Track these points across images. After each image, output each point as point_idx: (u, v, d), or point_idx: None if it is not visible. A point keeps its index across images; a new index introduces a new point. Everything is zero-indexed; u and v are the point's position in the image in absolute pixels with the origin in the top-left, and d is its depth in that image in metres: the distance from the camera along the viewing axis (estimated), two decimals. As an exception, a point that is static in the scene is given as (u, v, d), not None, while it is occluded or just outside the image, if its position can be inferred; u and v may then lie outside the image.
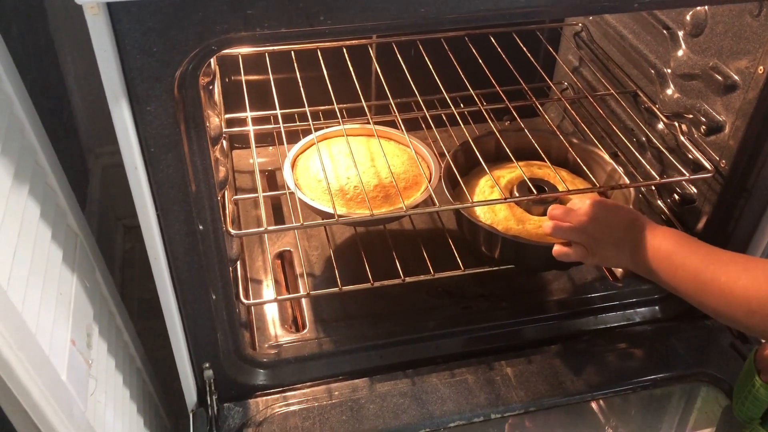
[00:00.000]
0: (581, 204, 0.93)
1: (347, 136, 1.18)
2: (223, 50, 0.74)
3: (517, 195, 1.05)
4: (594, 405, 1.00)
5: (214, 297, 0.92)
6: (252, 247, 1.22)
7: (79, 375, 0.81)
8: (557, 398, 0.98)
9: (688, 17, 1.08)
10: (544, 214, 1.06)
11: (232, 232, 0.91)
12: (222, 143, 1.03)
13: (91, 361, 0.87)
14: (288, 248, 1.23)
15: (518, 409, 0.97)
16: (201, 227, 0.85)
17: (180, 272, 0.87)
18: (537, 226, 1.03)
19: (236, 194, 1.28)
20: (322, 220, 1.05)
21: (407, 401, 0.97)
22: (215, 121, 0.88)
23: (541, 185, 1.07)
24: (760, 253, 1.08)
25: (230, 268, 0.98)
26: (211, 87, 0.95)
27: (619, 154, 1.27)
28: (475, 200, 1.08)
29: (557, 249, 0.94)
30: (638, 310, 1.14)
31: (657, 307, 1.15)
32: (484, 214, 1.06)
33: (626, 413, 1.01)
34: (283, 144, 1.12)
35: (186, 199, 0.81)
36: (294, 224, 0.96)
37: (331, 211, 1.01)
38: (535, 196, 0.99)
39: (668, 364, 1.04)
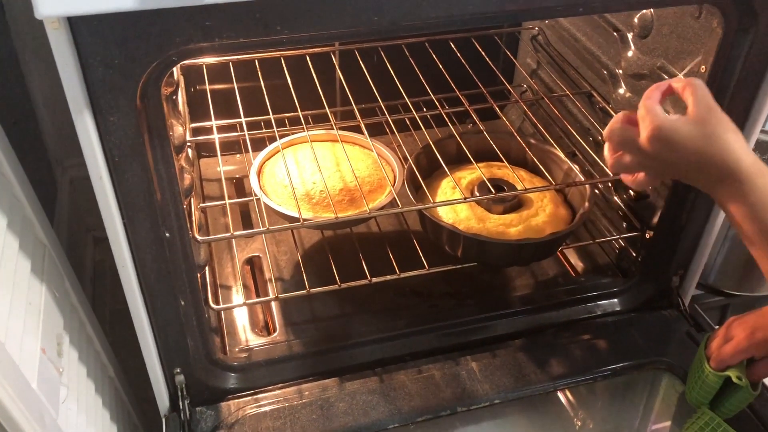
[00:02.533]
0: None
1: (312, 141, 1.21)
2: (185, 61, 0.76)
3: (477, 194, 1.09)
4: (557, 395, 1.03)
5: (183, 303, 0.94)
6: (221, 253, 1.24)
7: (50, 383, 0.82)
8: (521, 390, 1.02)
9: (635, 19, 1.13)
10: (504, 212, 1.09)
11: (199, 238, 0.93)
12: (187, 152, 1.05)
13: (62, 369, 0.88)
14: (257, 254, 1.25)
15: (483, 402, 1.00)
16: (167, 234, 0.87)
17: (148, 279, 0.89)
18: (497, 224, 1.06)
19: (204, 202, 1.29)
20: (289, 224, 1.08)
21: (376, 398, 1.00)
22: (179, 130, 0.90)
23: (500, 185, 1.11)
24: (711, 243, 1.12)
25: (198, 275, 1.00)
26: (174, 97, 0.97)
27: (577, 153, 1.31)
28: (437, 201, 1.11)
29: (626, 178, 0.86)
30: (599, 302, 1.18)
31: (617, 300, 1.18)
32: (446, 215, 1.09)
33: (588, 402, 1.04)
34: (249, 152, 1.14)
35: (152, 207, 0.82)
36: (260, 229, 0.98)
37: (296, 215, 1.03)
38: (494, 195, 1.03)
39: (628, 354, 1.08)
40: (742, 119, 0.98)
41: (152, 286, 0.89)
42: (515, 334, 1.13)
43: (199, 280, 1.01)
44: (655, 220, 1.15)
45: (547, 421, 1.01)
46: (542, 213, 1.09)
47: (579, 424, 1.01)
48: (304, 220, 1.01)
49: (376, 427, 0.96)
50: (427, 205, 1.03)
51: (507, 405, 1.01)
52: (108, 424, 1.05)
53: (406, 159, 1.18)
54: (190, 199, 0.98)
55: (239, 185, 1.43)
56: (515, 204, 1.10)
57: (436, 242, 1.09)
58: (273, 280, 1.18)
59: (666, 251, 1.14)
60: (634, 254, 1.20)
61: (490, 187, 1.05)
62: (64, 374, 0.89)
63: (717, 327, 1.20)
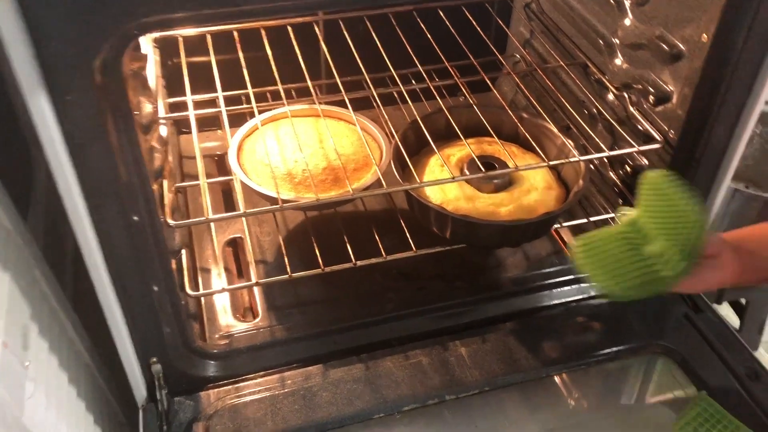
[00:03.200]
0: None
1: (295, 117, 1.16)
2: (148, 33, 0.71)
3: (466, 173, 1.04)
4: (549, 381, 0.99)
5: (156, 289, 0.90)
6: (201, 235, 1.19)
7: (13, 378, 0.77)
8: (512, 376, 0.98)
9: (634, -15, 1.07)
10: (494, 191, 1.04)
11: (172, 223, 0.88)
12: (159, 130, 0.99)
13: (27, 362, 0.84)
14: (239, 234, 1.20)
15: (473, 390, 0.96)
16: (136, 219, 0.82)
17: (117, 267, 0.84)
18: (487, 204, 1.02)
19: (183, 181, 1.24)
20: (270, 205, 1.02)
21: (361, 387, 0.96)
22: (147, 108, 0.85)
23: (491, 162, 1.06)
24: (710, 222, 1.08)
25: (173, 260, 0.95)
26: (143, 72, 0.91)
27: (571, 127, 1.26)
28: (425, 179, 1.06)
29: None
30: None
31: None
32: (434, 195, 1.04)
33: (581, 388, 1.00)
34: (228, 128, 1.08)
35: (117, 191, 0.78)
36: (237, 212, 0.92)
37: (276, 195, 0.98)
38: (483, 174, 0.98)
39: (623, 337, 1.04)
40: (746, 90, 0.93)
41: (122, 274, 0.85)
42: (506, 316, 1.09)
43: (175, 265, 0.97)
44: (653, 197, 1.10)
45: (539, 409, 0.97)
46: (534, 191, 1.04)
47: (572, 411, 0.98)
48: (284, 201, 0.96)
49: (360, 417, 0.93)
50: (413, 185, 0.98)
51: (497, 392, 0.97)
52: (83, 414, 1.00)
53: (393, 134, 1.13)
54: (162, 181, 0.93)
55: (221, 163, 1.37)
56: (506, 182, 1.05)
57: (424, 223, 1.05)
58: (255, 263, 1.13)
59: (663, 230, 1.10)
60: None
61: (480, 165, 1.00)
62: (30, 368, 0.84)
63: (714, 304, 1.17)
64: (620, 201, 1.18)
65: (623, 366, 1.03)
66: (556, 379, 1.00)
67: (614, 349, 1.02)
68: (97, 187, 0.76)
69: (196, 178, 1.26)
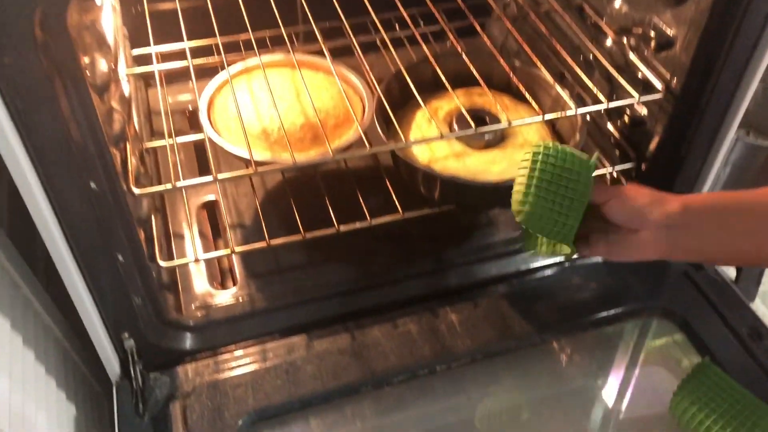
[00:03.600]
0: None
1: (269, 68, 1.07)
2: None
3: (456, 128, 0.96)
4: (543, 347, 0.95)
5: (123, 262, 0.83)
6: (174, 197, 1.12)
7: (-33, 366, 0.72)
8: (505, 343, 0.93)
9: None
10: (485, 147, 0.97)
11: (136, 191, 0.81)
12: (120, 88, 0.91)
13: (-15, 346, 0.78)
14: (214, 196, 1.13)
15: (464, 359, 0.91)
16: (95, 187, 0.75)
17: (77, 241, 0.77)
18: (478, 161, 0.95)
19: (153, 140, 1.16)
20: (245, 169, 0.94)
21: (347, 359, 0.91)
22: (103, 66, 0.77)
23: (481, 116, 0.99)
24: (713, 175, 1.02)
25: (141, 229, 0.89)
26: (96, 25, 0.82)
27: (566, 74, 1.18)
28: (411, 136, 0.99)
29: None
30: (589, 241, 1.09)
31: (608, 237, 1.09)
32: (421, 153, 0.97)
33: (577, 354, 0.96)
34: (195, 82, 1.00)
35: (70, 161, 0.70)
36: (206, 178, 0.85)
37: (248, 156, 0.90)
38: (474, 131, 0.91)
39: (621, 299, 0.99)
40: (757, 32, 0.86)
41: (83, 249, 0.78)
42: (498, 278, 1.04)
43: (144, 234, 0.90)
44: (652, 148, 1.04)
45: (534, 376, 0.93)
46: (528, 147, 0.97)
47: (568, 377, 0.93)
48: (258, 164, 0.88)
49: (347, 391, 0.88)
50: (398, 145, 0.91)
51: (490, 360, 0.93)
52: (53, 391, 0.95)
53: (376, 86, 1.05)
54: (125, 145, 0.85)
55: (195, 118, 1.29)
56: (498, 137, 0.98)
57: (410, 184, 0.98)
58: (232, 228, 1.07)
59: (663, 184, 1.03)
60: (628, 186, 1.10)
61: (470, 120, 0.92)
62: (-10, 350, 0.79)
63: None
64: (617, 153, 1.12)
65: (621, 329, 0.98)
66: (551, 344, 0.95)
67: (612, 311, 0.98)
68: (46, 156, 0.69)
69: (169, 135, 1.18)
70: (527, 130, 1.00)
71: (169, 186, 0.82)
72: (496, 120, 0.98)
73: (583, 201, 0.77)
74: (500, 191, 0.91)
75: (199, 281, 1.02)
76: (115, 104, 0.84)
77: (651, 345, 0.96)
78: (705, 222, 0.73)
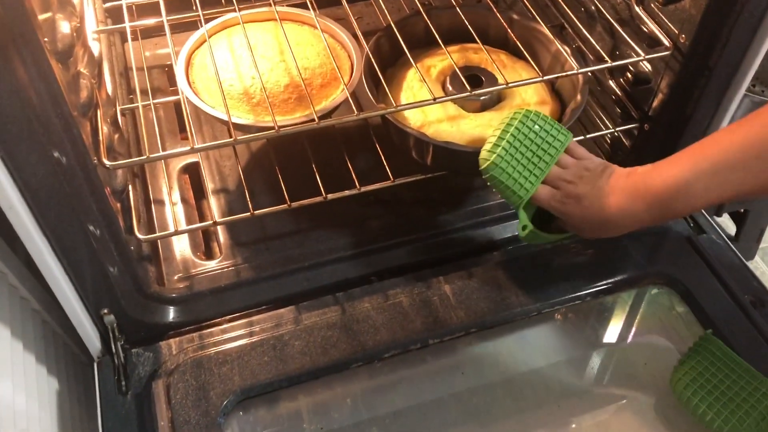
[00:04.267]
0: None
1: (251, 22, 1.00)
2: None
3: (450, 89, 0.91)
4: (539, 319, 0.91)
5: (98, 235, 0.79)
6: (153, 162, 1.06)
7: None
8: (500, 315, 0.90)
9: None
10: (480, 110, 0.92)
11: (107, 164, 0.76)
12: (89, 49, 0.84)
13: (-46, 328, 0.74)
14: (196, 159, 1.07)
15: (458, 332, 0.88)
16: (62, 160, 0.69)
17: (45, 217, 0.72)
18: (473, 125, 0.90)
19: (130, 98, 1.09)
20: (225, 139, 0.88)
21: (336, 333, 0.87)
22: (63, 27, 0.70)
23: (477, 75, 0.93)
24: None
25: (116, 200, 0.84)
26: (57, -19, 0.75)
27: (565, 26, 1.12)
28: (402, 97, 0.94)
29: None
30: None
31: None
32: (413, 116, 0.91)
33: (574, 325, 0.93)
34: (171, 40, 0.93)
35: (31, 134, 0.64)
36: (183, 148, 0.80)
37: (226, 118, 0.84)
38: (469, 92, 0.85)
39: (620, 267, 0.95)
40: (756, 20, 0.80)
41: (54, 226, 0.73)
42: (493, 244, 1.00)
43: (120, 205, 0.86)
44: (656, 106, 0.98)
45: (530, 348, 0.90)
46: (525, 108, 0.92)
47: (566, 349, 0.90)
48: (237, 127, 0.82)
49: (337, 367, 0.85)
50: (388, 110, 0.85)
51: (484, 333, 0.89)
52: (33, 367, 0.92)
53: (370, 34, 0.98)
54: (95, 112, 0.79)
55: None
56: (494, 99, 0.93)
57: (401, 148, 0.93)
58: (215, 194, 1.02)
59: (666, 145, 0.99)
60: (629, 147, 1.05)
61: (464, 81, 0.86)
62: (-40, 333, 0.75)
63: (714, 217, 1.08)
64: (617, 110, 1.06)
65: (621, 298, 0.95)
66: (548, 316, 0.92)
67: (611, 280, 0.94)
68: (6, 131, 0.63)
69: (146, 94, 1.11)
70: (525, 90, 0.94)
71: (143, 157, 0.76)
72: (493, 79, 0.92)
73: (545, 170, 0.80)
74: None
75: (182, 251, 0.97)
76: (82, 68, 0.77)
77: (651, 315, 0.93)
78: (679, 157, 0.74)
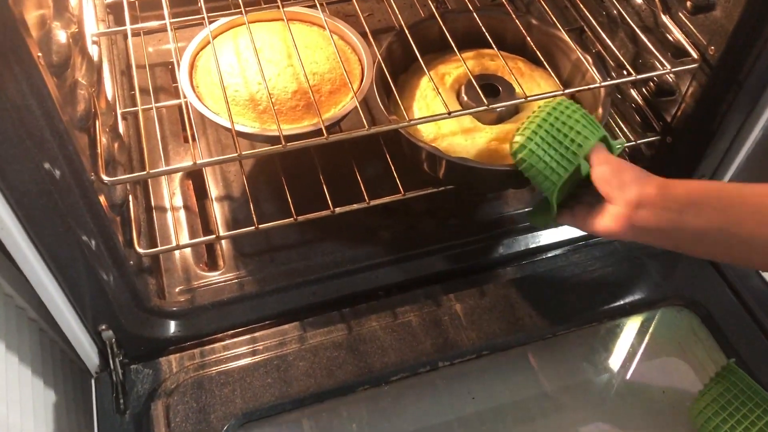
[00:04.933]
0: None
1: (258, 23, 0.96)
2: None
3: (465, 100, 0.86)
4: (553, 341, 0.88)
5: (95, 249, 0.75)
6: (156, 164, 1.02)
7: None
8: (514, 337, 0.86)
9: None
10: (496, 122, 0.88)
11: (106, 179, 0.72)
12: (89, 54, 0.80)
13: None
14: (200, 164, 1.03)
15: (469, 354, 0.85)
16: (58, 176, 0.66)
17: (40, 236, 0.69)
18: (488, 139, 0.85)
19: (131, 100, 1.05)
20: (230, 155, 0.83)
21: (342, 354, 0.84)
22: (59, 38, 0.66)
23: (494, 84, 0.88)
24: (744, 152, 0.93)
25: (115, 214, 0.80)
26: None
27: (585, 30, 1.07)
28: (416, 107, 0.89)
29: None
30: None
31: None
32: (426, 127, 0.87)
33: (591, 347, 0.89)
34: (173, 41, 0.89)
35: (24, 150, 0.61)
36: (186, 164, 0.76)
37: (229, 125, 0.80)
38: (486, 106, 0.81)
39: (637, 287, 0.92)
40: None
41: (45, 239, 0.70)
42: (506, 259, 0.96)
43: (119, 218, 0.82)
44: (680, 122, 0.94)
45: (544, 373, 0.87)
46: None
47: (581, 374, 0.87)
48: (239, 135, 0.78)
49: (342, 390, 0.82)
50: (401, 124, 0.81)
51: (496, 356, 0.86)
52: (29, 380, 0.89)
53: (382, 32, 0.93)
54: (93, 123, 0.75)
55: (177, 72, 1.18)
56: (511, 110, 0.89)
57: (413, 161, 0.89)
58: (218, 201, 0.98)
59: (689, 159, 0.95)
60: (648, 159, 1.01)
61: (480, 93, 0.82)
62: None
63: None
64: (638, 120, 1.02)
65: (638, 322, 0.91)
66: (563, 337, 0.88)
67: (628, 300, 0.91)
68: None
69: (149, 94, 1.07)
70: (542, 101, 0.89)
71: (143, 173, 0.73)
72: (510, 89, 0.88)
73: (578, 156, 0.75)
74: (514, 176, 0.82)
75: (184, 262, 0.94)
76: (80, 77, 0.74)
77: (670, 338, 0.89)
78: (678, 209, 0.67)
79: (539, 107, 0.80)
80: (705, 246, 0.67)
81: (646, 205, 0.69)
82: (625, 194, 0.70)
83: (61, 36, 0.67)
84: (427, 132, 0.87)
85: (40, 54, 0.58)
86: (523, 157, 0.76)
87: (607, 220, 0.72)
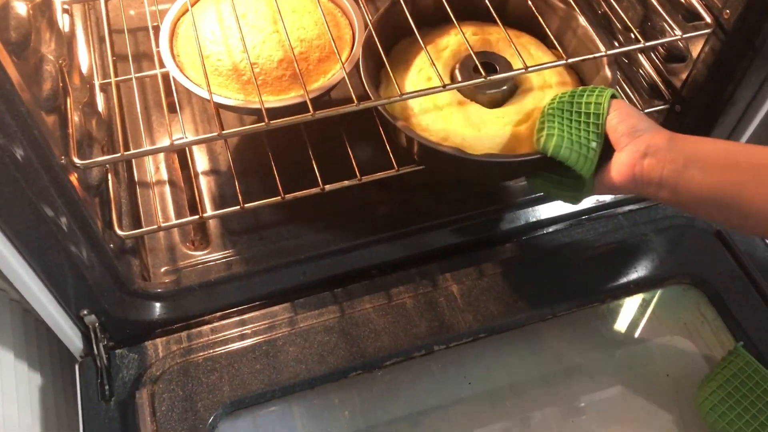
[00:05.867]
0: None
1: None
2: None
3: (459, 78, 0.81)
4: (553, 322, 0.84)
5: (70, 236, 0.71)
6: (138, 140, 0.98)
7: None
8: (512, 318, 0.83)
9: None
10: (497, 104, 0.81)
11: (78, 162, 0.67)
12: (57, 25, 0.75)
13: None
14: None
15: (465, 337, 0.82)
16: (23, 162, 0.61)
17: (11, 225, 0.65)
18: (502, 124, 0.78)
19: (116, 68, 1.00)
20: (211, 134, 0.78)
21: (334, 339, 0.81)
22: (18, 12, 0.61)
23: (491, 62, 0.82)
24: (757, 120, 0.88)
25: (92, 195, 0.76)
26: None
27: (592, -12, 1.01)
28: (409, 82, 0.84)
29: None
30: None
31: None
32: (433, 123, 0.80)
33: (592, 328, 0.86)
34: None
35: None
36: (163, 144, 0.71)
37: (207, 96, 0.75)
38: (483, 79, 0.75)
39: (642, 264, 0.88)
40: None
41: (17, 229, 0.66)
42: (506, 234, 0.92)
43: (98, 198, 0.78)
44: (691, 90, 0.89)
45: (543, 355, 0.83)
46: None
47: (582, 356, 0.84)
48: (219, 106, 0.73)
49: (334, 376, 0.79)
50: (392, 99, 0.75)
51: (493, 338, 0.83)
52: (12, 364, 0.86)
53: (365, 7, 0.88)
54: (65, 100, 0.71)
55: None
56: (512, 87, 0.82)
57: (432, 169, 0.83)
58: (205, 174, 0.94)
59: (698, 129, 0.90)
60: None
61: (479, 65, 0.76)
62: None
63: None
64: (647, 88, 0.97)
65: (642, 300, 0.88)
66: (563, 318, 0.85)
67: (632, 278, 0.87)
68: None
69: (127, 59, 1.01)
70: (542, 74, 0.83)
71: (117, 155, 0.68)
72: (509, 67, 0.82)
73: (600, 122, 0.71)
74: (523, 166, 0.77)
75: (169, 241, 0.90)
76: (47, 51, 0.68)
77: (675, 318, 0.86)
78: (684, 163, 0.64)
79: (546, 107, 0.76)
80: (706, 206, 0.64)
81: (653, 154, 0.66)
82: (633, 141, 0.68)
83: (20, 8, 0.61)
84: (435, 130, 0.79)
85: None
86: (556, 144, 0.72)
87: (614, 171, 0.69)
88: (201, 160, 0.97)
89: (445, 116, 0.79)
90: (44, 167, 0.64)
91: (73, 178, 0.69)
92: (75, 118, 0.71)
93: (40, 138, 0.61)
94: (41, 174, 0.64)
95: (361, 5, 0.89)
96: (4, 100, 0.56)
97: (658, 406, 0.79)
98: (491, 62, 0.82)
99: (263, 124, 0.70)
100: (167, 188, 0.94)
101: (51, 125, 0.65)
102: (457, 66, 0.82)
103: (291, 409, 0.79)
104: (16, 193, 0.63)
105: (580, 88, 0.75)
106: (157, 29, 0.89)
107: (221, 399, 0.76)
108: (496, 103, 0.81)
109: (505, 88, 0.80)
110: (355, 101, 0.73)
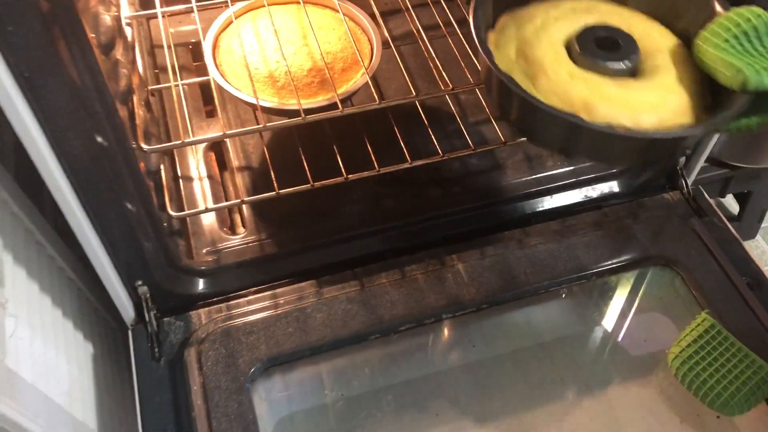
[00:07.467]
0: None
1: (276, 5, 1.04)
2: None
3: (582, 57, 0.74)
4: (546, 297, 0.97)
5: (134, 213, 0.84)
6: (184, 137, 1.10)
7: (-10, 324, 0.74)
8: (510, 292, 0.95)
9: None
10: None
11: (145, 147, 0.81)
12: (124, 35, 0.89)
13: (5, 299, 0.80)
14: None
15: (470, 308, 0.94)
16: (104, 144, 0.74)
17: (89, 199, 0.77)
18: (646, 98, 0.72)
19: (157, 77, 1.14)
20: (254, 125, 0.91)
21: (355, 307, 0.93)
22: (106, 20, 0.74)
23: (613, 38, 0.76)
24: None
25: (150, 179, 0.89)
26: (98, -26, 0.79)
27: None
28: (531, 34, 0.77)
29: None
30: (595, 186, 1.09)
31: (616, 182, 1.09)
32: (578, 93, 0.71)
33: (581, 302, 0.98)
34: (199, 24, 0.97)
35: (78, 122, 0.69)
36: (214, 133, 0.85)
37: (254, 101, 0.89)
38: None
39: (625, 248, 1.00)
40: None
41: (93, 203, 0.78)
42: (504, 224, 1.05)
43: (153, 183, 0.91)
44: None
45: (538, 324, 0.96)
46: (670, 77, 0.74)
47: (571, 326, 0.96)
48: (264, 110, 0.86)
49: (355, 338, 0.91)
50: (407, 98, 0.89)
51: (494, 309, 0.95)
52: (71, 333, 0.98)
53: (386, 16, 0.99)
54: (132, 97, 0.84)
55: (198, 51, 1.26)
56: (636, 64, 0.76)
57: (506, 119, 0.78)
58: (240, 171, 1.07)
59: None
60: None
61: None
62: (9, 303, 0.81)
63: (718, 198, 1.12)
64: None
65: (624, 278, 1.00)
66: (555, 293, 0.97)
67: (616, 260, 0.99)
68: (55, 121, 0.68)
69: (174, 72, 1.15)
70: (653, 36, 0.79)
71: (178, 142, 0.81)
72: (631, 42, 0.76)
73: None
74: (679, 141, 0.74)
75: (210, 227, 1.03)
76: (119, 56, 0.82)
77: (653, 294, 0.98)
78: None
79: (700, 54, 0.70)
80: None
81: None
82: None
83: (106, 18, 0.75)
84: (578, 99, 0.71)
85: (93, 35, 0.66)
86: (754, 84, 0.66)
87: None
88: (235, 158, 1.10)
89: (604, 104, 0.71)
90: (120, 150, 0.76)
91: (141, 163, 0.82)
92: (140, 112, 0.84)
93: (120, 125, 0.74)
94: (117, 155, 0.76)
95: (380, 23, 1.03)
96: (97, 91, 0.69)
97: (637, 364, 0.91)
98: (615, 38, 0.76)
99: (300, 118, 0.83)
100: (206, 181, 1.07)
101: (124, 116, 0.78)
102: (575, 39, 0.75)
103: (319, 366, 0.91)
104: (98, 171, 0.75)
105: (723, 15, 0.70)
106: (192, 45, 1.01)
107: (259, 356, 0.88)
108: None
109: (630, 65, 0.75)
110: (377, 101, 0.86)
